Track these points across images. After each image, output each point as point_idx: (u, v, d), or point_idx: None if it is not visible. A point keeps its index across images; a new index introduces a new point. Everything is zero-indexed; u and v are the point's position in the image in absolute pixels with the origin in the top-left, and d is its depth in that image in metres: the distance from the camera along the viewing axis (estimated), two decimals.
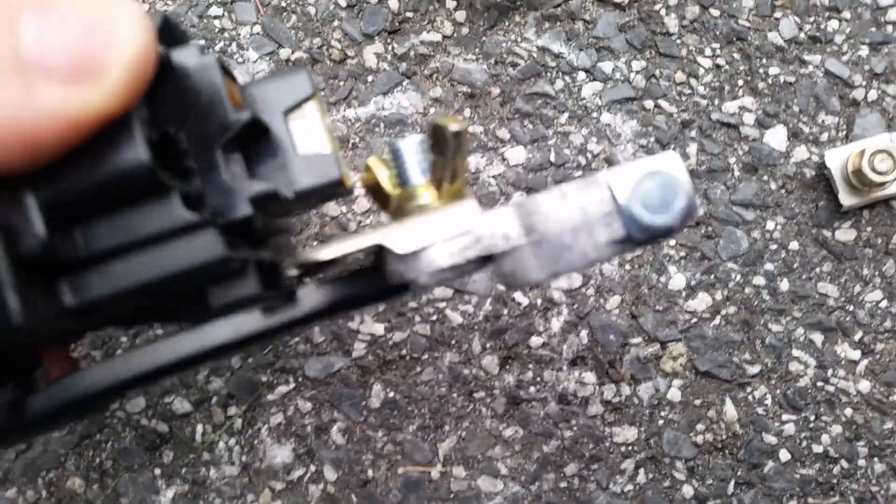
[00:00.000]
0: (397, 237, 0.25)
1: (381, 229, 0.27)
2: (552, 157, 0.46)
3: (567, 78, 0.47)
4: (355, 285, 0.29)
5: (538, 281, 0.26)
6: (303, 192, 0.25)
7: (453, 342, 0.45)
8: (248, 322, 0.29)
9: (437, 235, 0.26)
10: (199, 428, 0.45)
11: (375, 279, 0.29)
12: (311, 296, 0.29)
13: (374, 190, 0.30)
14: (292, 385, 0.45)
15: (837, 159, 0.44)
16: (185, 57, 0.22)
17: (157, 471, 0.45)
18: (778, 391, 0.45)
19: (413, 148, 0.29)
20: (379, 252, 0.27)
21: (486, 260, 0.27)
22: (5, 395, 0.26)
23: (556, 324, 0.45)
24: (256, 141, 0.24)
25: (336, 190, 0.25)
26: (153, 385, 0.41)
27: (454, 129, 0.26)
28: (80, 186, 0.20)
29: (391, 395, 0.45)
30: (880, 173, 0.42)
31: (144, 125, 0.20)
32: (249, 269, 0.24)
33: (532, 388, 0.45)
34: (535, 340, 0.45)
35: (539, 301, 0.45)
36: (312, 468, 0.45)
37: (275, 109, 0.24)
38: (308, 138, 0.25)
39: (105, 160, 0.20)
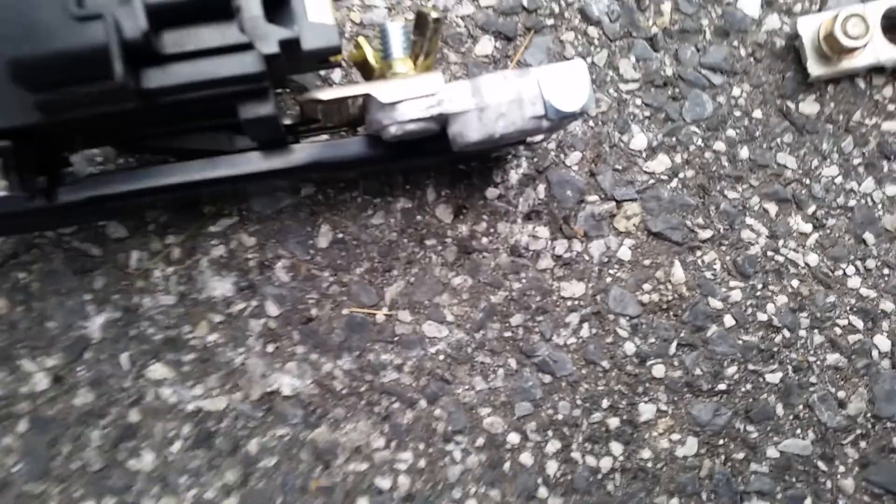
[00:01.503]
0: (381, 90, 0.35)
1: (369, 84, 0.36)
2: (524, 2, 0.44)
3: None
4: (341, 146, 0.38)
5: (476, 141, 0.35)
6: (310, 50, 0.34)
7: (407, 188, 0.44)
8: (248, 163, 0.37)
9: (410, 93, 0.35)
10: (135, 255, 0.43)
11: (357, 144, 0.38)
12: (303, 150, 0.37)
13: (361, 64, 0.39)
14: (236, 218, 0.44)
15: (810, 27, 0.43)
16: None
17: (88, 296, 0.43)
18: (728, 257, 0.45)
19: (397, 29, 0.38)
20: (364, 105, 0.37)
21: (442, 122, 0.35)
22: (41, 184, 0.36)
23: (514, 176, 0.44)
24: (280, 5, 0.33)
25: (331, 58, 0.35)
26: (158, 200, 0.42)
27: (434, 16, 0.36)
28: (174, 1, 0.31)
29: (340, 235, 0.44)
30: (852, 38, 0.41)
31: None
32: (270, 94, 0.34)
33: (485, 239, 0.44)
34: (492, 192, 0.44)
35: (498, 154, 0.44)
36: (254, 303, 0.43)
37: None
38: (316, 11, 0.34)
39: None
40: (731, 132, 0.45)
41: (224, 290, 0.43)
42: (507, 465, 0.43)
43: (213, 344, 0.43)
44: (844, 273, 0.45)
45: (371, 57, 0.38)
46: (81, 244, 0.43)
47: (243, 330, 0.43)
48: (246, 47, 0.32)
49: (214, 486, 0.43)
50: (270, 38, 0.32)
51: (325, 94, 0.36)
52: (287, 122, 0.39)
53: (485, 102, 0.35)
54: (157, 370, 0.43)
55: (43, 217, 0.38)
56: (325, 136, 0.42)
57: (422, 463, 0.43)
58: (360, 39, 0.38)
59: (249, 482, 0.43)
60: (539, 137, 0.43)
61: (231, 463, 0.43)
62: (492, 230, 0.44)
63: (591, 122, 0.44)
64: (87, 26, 0.29)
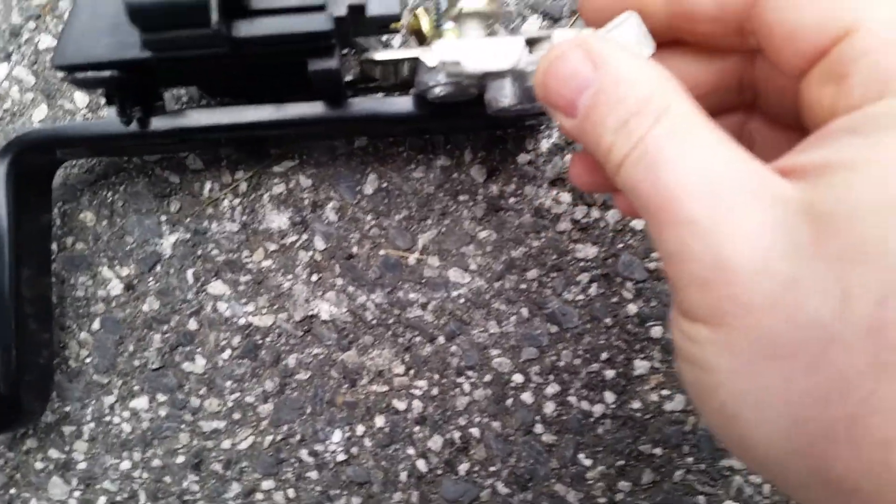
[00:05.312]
0: (428, 55, 0.40)
1: (420, 48, 0.41)
2: None
3: None
4: (391, 103, 0.43)
5: (507, 106, 0.39)
6: (374, 17, 0.38)
7: (448, 148, 0.50)
8: (310, 110, 0.43)
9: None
10: (208, 185, 0.50)
11: (406, 102, 0.43)
12: (359, 103, 0.43)
13: (417, 32, 0.43)
14: (297, 161, 0.50)
15: None
16: None
17: (164, 217, 0.50)
18: None
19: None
20: (413, 69, 0.42)
21: (481, 87, 0.40)
22: (137, 112, 0.43)
23: (544, 144, 0.49)
24: None
25: (392, 24, 0.40)
26: (232, 135, 0.46)
27: None
28: None
29: (384, 185, 0.50)
30: None
31: None
32: (336, 51, 0.39)
33: (512, 199, 0.49)
34: (523, 157, 0.49)
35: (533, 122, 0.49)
36: (304, 237, 0.49)
37: None
38: None
39: None
40: None
41: (280, 223, 0.49)
42: (509, 401, 0.49)
43: (266, 269, 0.49)
44: None
45: (426, 26, 0.43)
46: (163, 172, 0.50)
47: (293, 259, 0.49)
48: (320, 8, 0.37)
49: (254, 392, 0.49)
50: (340, 3, 0.38)
51: (380, 55, 0.42)
52: (348, 78, 0.45)
53: (519, 71, 0.40)
54: (217, 287, 0.49)
55: (135, 141, 0.45)
56: (379, 95, 0.47)
57: (435, 391, 0.49)
58: (419, 10, 0.44)
59: (285, 391, 0.49)
60: None
61: (271, 373, 0.49)
62: (519, 192, 0.49)
63: None
64: None
